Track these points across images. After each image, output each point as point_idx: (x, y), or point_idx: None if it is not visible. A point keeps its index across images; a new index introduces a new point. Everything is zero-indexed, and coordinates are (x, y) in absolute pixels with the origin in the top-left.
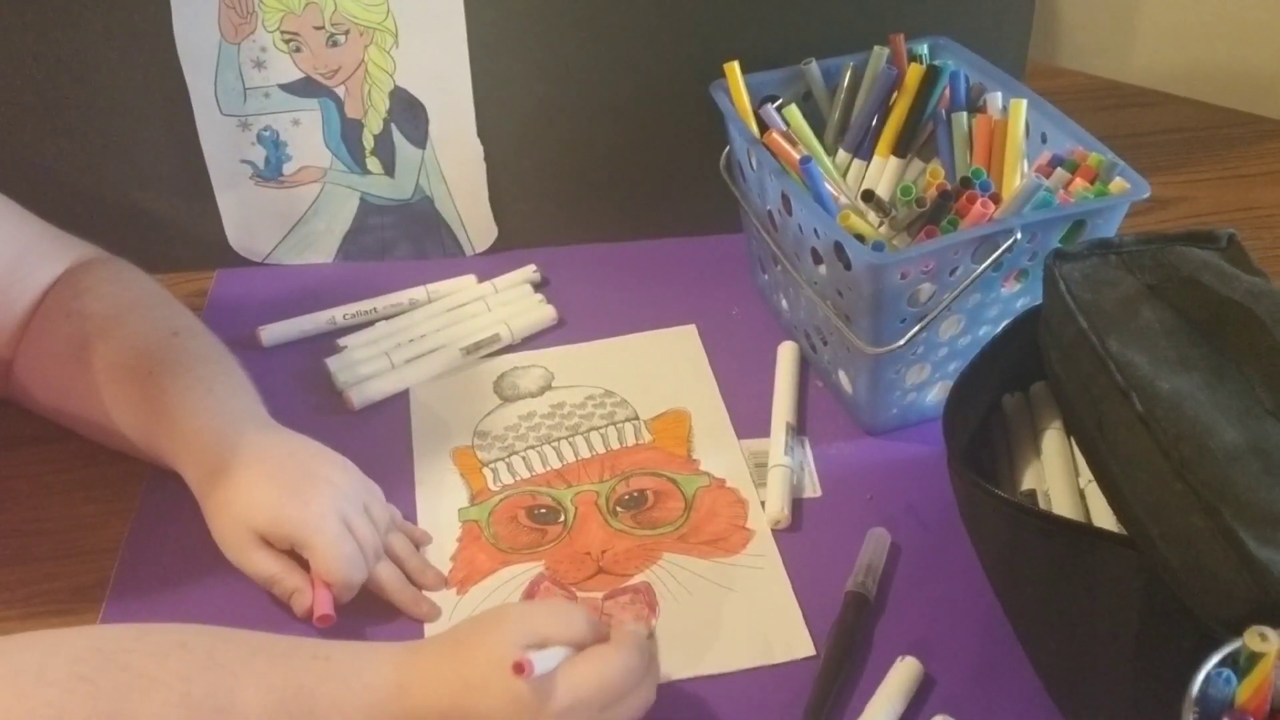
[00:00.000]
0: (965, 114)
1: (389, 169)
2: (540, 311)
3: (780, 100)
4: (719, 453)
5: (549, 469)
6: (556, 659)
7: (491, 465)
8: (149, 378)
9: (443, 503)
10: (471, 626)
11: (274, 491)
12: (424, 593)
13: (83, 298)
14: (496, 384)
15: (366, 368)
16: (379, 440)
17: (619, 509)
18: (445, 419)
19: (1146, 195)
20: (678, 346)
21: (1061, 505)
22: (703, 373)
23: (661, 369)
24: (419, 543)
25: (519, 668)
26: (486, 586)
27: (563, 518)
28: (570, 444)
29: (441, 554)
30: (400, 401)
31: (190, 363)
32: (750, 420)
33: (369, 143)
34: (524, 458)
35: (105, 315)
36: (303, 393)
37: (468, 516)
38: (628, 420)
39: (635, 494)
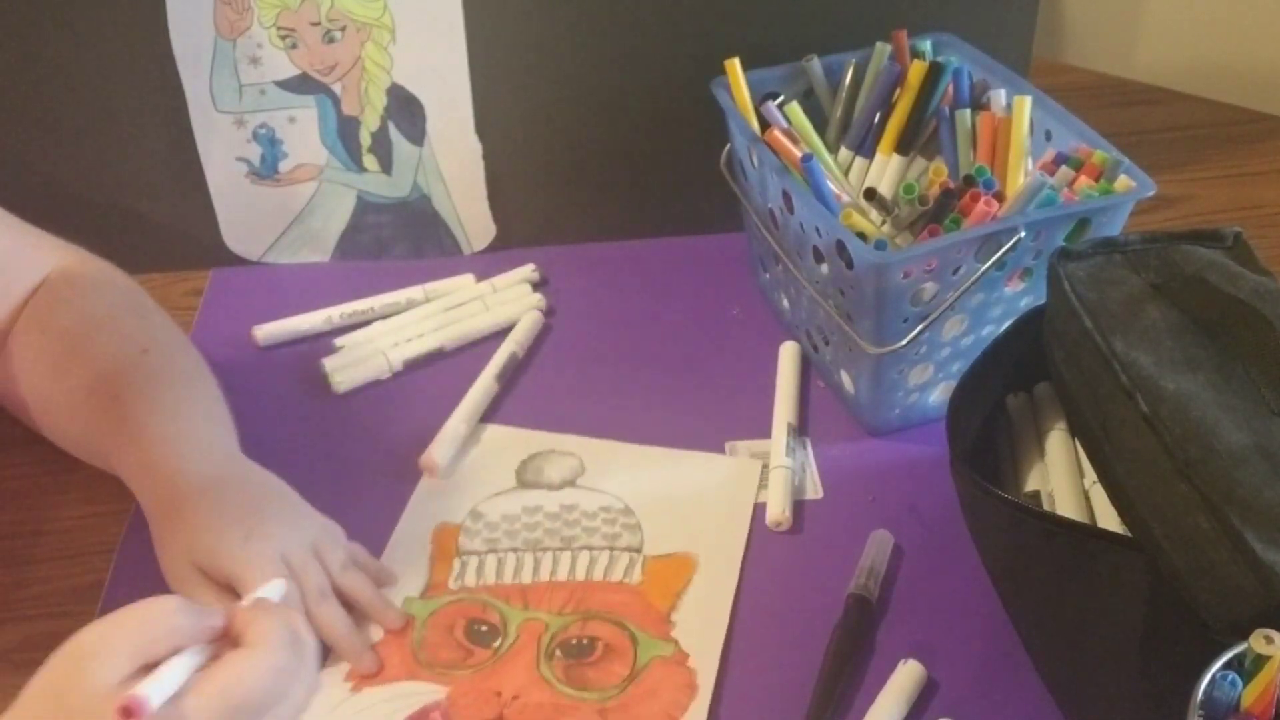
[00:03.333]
0: (969, 111)
1: (386, 167)
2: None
3: (782, 97)
4: (702, 623)
5: (517, 582)
6: (177, 677)
7: (464, 557)
8: (114, 403)
9: (397, 586)
10: (44, 685)
11: (216, 527)
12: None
13: (56, 310)
14: (523, 464)
15: (363, 368)
16: (374, 441)
17: (558, 652)
18: (452, 485)
19: (1152, 193)
20: (731, 478)
21: (1066, 507)
22: (740, 519)
23: (699, 500)
24: (383, 583)
25: (127, 711)
26: (379, 695)
27: (497, 643)
28: (554, 558)
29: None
30: (396, 403)
31: (157, 387)
32: (751, 421)
33: (366, 140)
34: (500, 559)
35: (76, 332)
36: (298, 393)
37: (410, 609)
38: (627, 550)
39: (585, 641)
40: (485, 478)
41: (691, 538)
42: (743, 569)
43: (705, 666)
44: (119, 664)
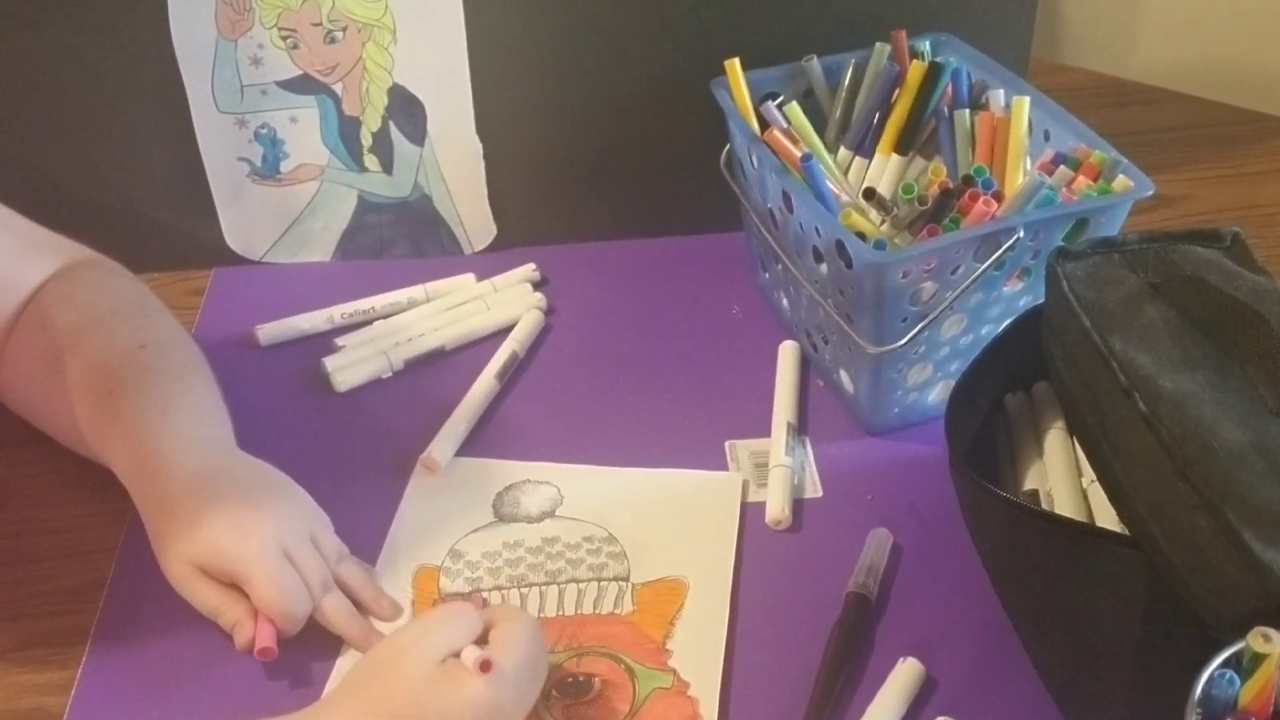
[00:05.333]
0: (967, 111)
1: (387, 167)
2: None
3: (781, 97)
4: (699, 650)
5: None
6: (479, 647)
7: (446, 600)
8: (108, 399)
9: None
10: (374, 670)
11: (211, 524)
12: (377, 625)
13: (58, 307)
14: (499, 496)
15: (364, 368)
16: (375, 440)
17: (554, 694)
18: (429, 525)
19: (1150, 193)
20: (713, 495)
21: (1064, 505)
22: (726, 536)
23: (681, 520)
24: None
25: (485, 667)
26: None
27: None
28: (540, 594)
29: None
30: (397, 402)
31: (150, 382)
32: (751, 420)
33: (367, 140)
34: (485, 599)
35: (76, 328)
36: (299, 393)
37: None
38: (615, 580)
39: (581, 679)
40: (461, 514)
41: (679, 561)
42: (735, 587)
43: (706, 694)
44: (437, 652)
